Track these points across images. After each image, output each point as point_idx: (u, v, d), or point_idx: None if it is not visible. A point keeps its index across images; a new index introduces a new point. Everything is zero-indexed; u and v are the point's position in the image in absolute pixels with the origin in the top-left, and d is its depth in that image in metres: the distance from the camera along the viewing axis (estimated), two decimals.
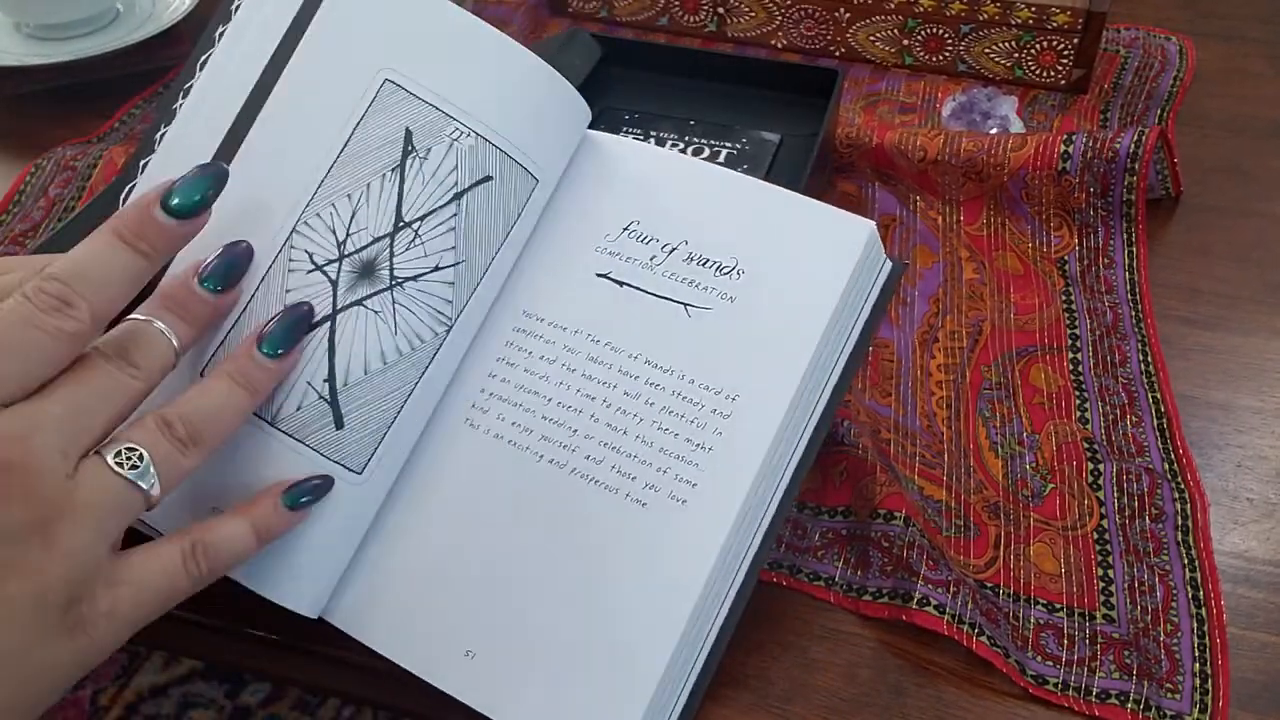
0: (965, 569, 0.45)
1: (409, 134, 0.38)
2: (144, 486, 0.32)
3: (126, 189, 0.40)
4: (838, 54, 0.78)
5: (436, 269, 0.39)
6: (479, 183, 0.39)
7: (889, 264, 0.42)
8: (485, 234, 0.40)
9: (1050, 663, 0.41)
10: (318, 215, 0.38)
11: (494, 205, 0.40)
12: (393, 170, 0.38)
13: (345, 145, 0.38)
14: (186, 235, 0.35)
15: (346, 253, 0.38)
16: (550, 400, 0.40)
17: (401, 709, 0.41)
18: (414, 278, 0.38)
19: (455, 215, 0.39)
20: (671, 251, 0.42)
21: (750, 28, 0.79)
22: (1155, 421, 0.50)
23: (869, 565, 0.44)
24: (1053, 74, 0.73)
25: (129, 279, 0.33)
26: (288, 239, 0.38)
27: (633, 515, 0.38)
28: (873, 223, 0.41)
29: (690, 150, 0.61)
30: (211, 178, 0.35)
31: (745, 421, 0.38)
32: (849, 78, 0.75)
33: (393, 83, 0.38)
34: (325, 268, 0.38)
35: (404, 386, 0.38)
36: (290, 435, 0.37)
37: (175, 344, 0.34)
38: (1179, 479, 0.48)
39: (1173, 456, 0.49)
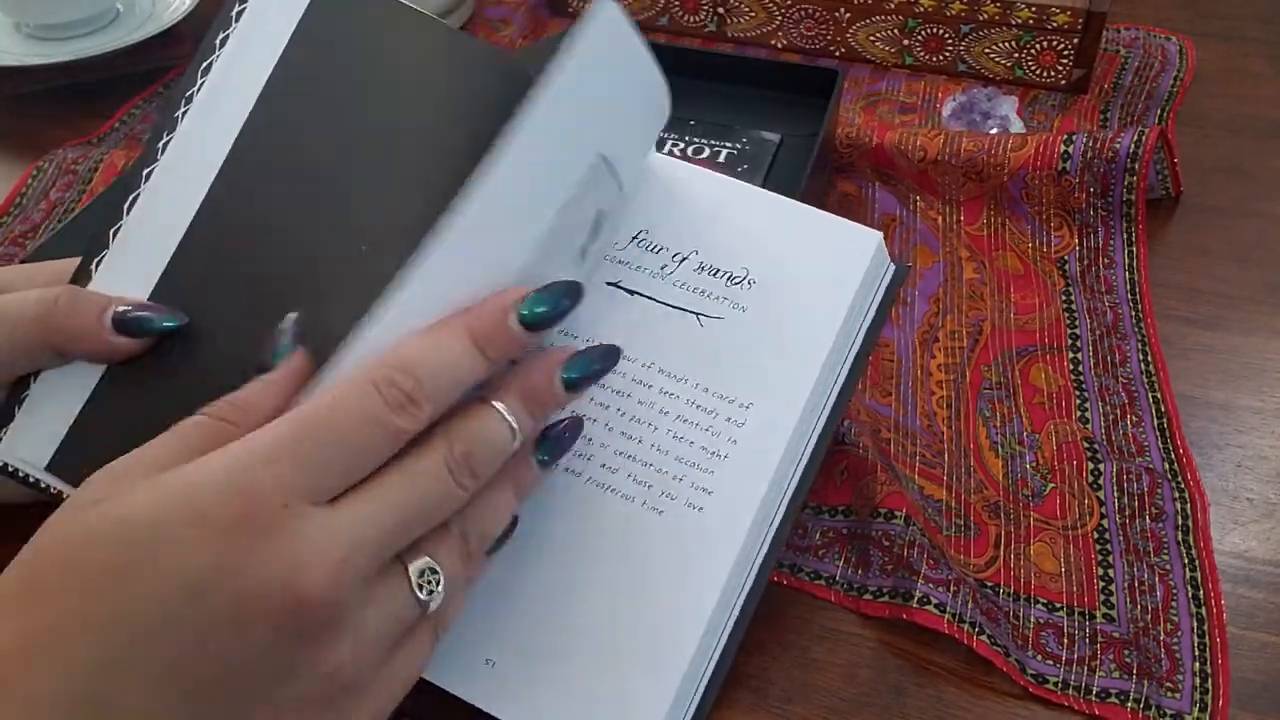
0: (965, 568, 0.45)
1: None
2: (429, 611, 0.31)
3: (131, 197, 0.40)
4: (838, 54, 0.78)
5: None
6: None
7: (892, 267, 0.43)
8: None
9: (1050, 662, 0.41)
10: None
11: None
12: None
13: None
14: (526, 348, 0.34)
15: None
16: (566, 410, 0.40)
17: (402, 709, 0.41)
18: None
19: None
20: (682, 261, 0.42)
21: (750, 28, 0.79)
22: (1155, 421, 0.50)
23: (869, 564, 0.44)
24: (1053, 74, 0.73)
25: (469, 383, 0.32)
26: None
27: (650, 522, 0.38)
28: (880, 233, 0.41)
29: (690, 150, 0.61)
30: (565, 292, 0.34)
31: (759, 429, 0.39)
32: (849, 78, 0.75)
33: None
34: None
35: None
36: None
37: (518, 448, 0.33)
38: (1179, 479, 0.48)
39: (1173, 456, 0.49)
